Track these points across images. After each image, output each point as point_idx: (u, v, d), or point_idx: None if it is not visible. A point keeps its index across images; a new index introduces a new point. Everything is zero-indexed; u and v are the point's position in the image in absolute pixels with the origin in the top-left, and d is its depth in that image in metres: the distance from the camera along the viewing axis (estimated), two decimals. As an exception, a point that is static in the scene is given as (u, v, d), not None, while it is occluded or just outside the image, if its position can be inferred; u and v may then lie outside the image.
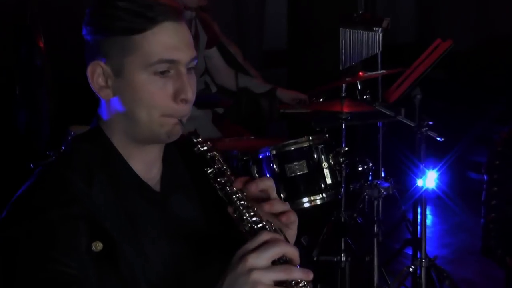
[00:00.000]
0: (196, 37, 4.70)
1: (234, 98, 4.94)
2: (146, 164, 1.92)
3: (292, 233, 1.82)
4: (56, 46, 5.34)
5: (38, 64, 4.99)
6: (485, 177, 3.30)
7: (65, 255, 1.69)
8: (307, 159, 3.74)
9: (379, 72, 4.38)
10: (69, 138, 3.99)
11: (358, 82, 4.17)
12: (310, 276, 1.55)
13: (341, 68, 4.97)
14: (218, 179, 1.79)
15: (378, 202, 3.87)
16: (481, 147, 7.06)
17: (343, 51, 4.93)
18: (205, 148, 1.85)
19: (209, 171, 1.81)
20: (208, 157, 1.84)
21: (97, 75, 1.83)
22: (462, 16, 8.11)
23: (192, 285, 1.88)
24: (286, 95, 5.17)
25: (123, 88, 1.82)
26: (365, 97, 4.08)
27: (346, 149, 3.85)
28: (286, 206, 1.82)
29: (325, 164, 3.75)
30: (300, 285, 1.54)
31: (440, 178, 4.43)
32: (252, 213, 1.70)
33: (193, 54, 1.86)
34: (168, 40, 1.81)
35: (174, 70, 1.82)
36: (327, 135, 3.87)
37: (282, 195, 3.67)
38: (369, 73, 4.32)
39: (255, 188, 1.79)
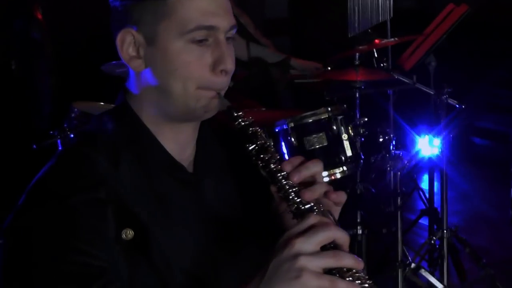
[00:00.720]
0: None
1: (245, 69, 4.80)
2: (179, 144, 1.77)
3: (336, 213, 1.69)
4: (56, 18, 5.17)
5: (37, 37, 4.82)
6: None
7: (90, 245, 1.55)
8: (326, 131, 3.59)
9: (395, 39, 4.25)
10: (73, 115, 3.91)
11: (374, 49, 4.04)
12: (361, 265, 1.41)
13: (349, 35, 4.84)
14: (262, 156, 1.64)
15: (400, 174, 3.76)
16: (484, 113, 7.01)
17: (351, 17, 4.79)
18: (247, 122, 1.68)
19: (251, 147, 1.65)
20: (250, 132, 1.67)
21: (127, 44, 1.68)
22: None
23: (226, 271, 1.76)
24: (301, 65, 5.04)
25: (156, 58, 1.67)
26: (382, 65, 3.96)
27: (366, 119, 3.72)
28: (329, 188, 1.67)
29: (345, 136, 3.61)
30: (350, 273, 1.40)
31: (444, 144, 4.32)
32: (298, 194, 1.58)
33: (233, 21, 1.71)
34: (206, 5, 1.66)
35: (213, 39, 1.67)
36: (344, 105, 3.73)
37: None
38: (386, 40, 4.20)
39: (298, 177, 1.60)
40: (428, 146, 4.24)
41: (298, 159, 1.66)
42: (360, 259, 1.42)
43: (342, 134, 3.62)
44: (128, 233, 1.60)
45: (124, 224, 1.61)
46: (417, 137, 4.35)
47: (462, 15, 4.06)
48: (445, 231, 3.95)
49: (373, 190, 4.60)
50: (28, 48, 4.92)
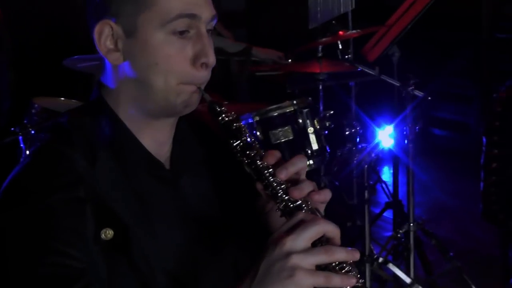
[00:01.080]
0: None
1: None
2: (156, 141, 1.69)
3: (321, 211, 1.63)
4: (15, 11, 5.03)
5: (-5, 32, 4.69)
6: (484, 140, 3.16)
7: (69, 246, 1.48)
8: (292, 125, 3.54)
9: (358, 31, 4.20)
10: (33, 111, 3.83)
11: (339, 41, 3.99)
12: (357, 255, 1.38)
13: (310, 27, 4.80)
14: (248, 152, 1.57)
15: (367, 167, 3.72)
16: (443, 103, 7.02)
17: (312, 9, 4.75)
18: (230, 118, 1.60)
19: (235, 144, 1.58)
20: (234, 127, 1.59)
21: (105, 36, 1.60)
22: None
23: (207, 271, 1.69)
24: (262, 54, 4.97)
25: (136, 50, 1.59)
26: (347, 56, 3.91)
27: (332, 112, 3.67)
28: (314, 186, 1.61)
29: (310, 129, 3.56)
30: (344, 268, 1.38)
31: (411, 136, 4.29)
32: (286, 191, 1.52)
33: (213, 11, 1.63)
34: None
35: (194, 30, 1.59)
36: (310, 98, 3.67)
37: (267, 163, 3.49)
38: (349, 32, 4.15)
39: (285, 175, 1.55)
40: (388, 137, 4.20)
41: (278, 153, 1.60)
42: (354, 249, 1.39)
43: (308, 127, 3.57)
44: (108, 233, 1.53)
45: (103, 224, 1.53)
46: (377, 129, 4.31)
47: (427, 5, 4.02)
48: (411, 224, 3.91)
49: (336, 183, 4.57)
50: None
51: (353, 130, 3.79)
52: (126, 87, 1.63)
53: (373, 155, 3.74)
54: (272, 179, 1.54)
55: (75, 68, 3.97)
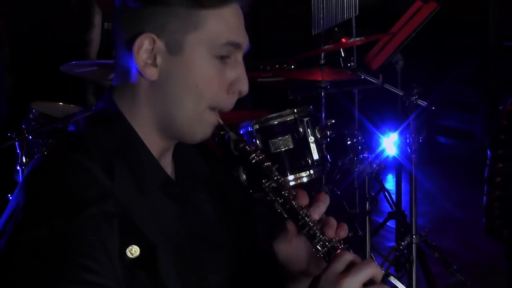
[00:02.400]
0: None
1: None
2: (166, 158, 1.69)
3: None
4: (13, 17, 4.99)
5: (-8, 36, 4.64)
6: (489, 153, 3.08)
7: (99, 263, 1.44)
8: (292, 134, 3.47)
9: (362, 38, 4.14)
10: (31, 115, 3.79)
11: (341, 49, 3.92)
12: None
13: (313, 33, 4.74)
14: (283, 192, 1.63)
15: (368, 177, 3.65)
16: (448, 111, 6.95)
17: (316, 15, 4.69)
18: (261, 157, 1.66)
19: (268, 183, 1.64)
20: (265, 167, 1.65)
21: (144, 50, 1.56)
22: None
23: None
24: None
25: (177, 69, 1.57)
26: (349, 64, 3.85)
27: (333, 121, 3.60)
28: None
29: (311, 139, 3.49)
30: None
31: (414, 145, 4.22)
32: (321, 230, 1.61)
33: (248, 43, 1.65)
34: (234, 21, 1.59)
35: (233, 57, 1.61)
36: (311, 107, 3.61)
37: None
38: (353, 39, 4.08)
39: (318, 215, 1.64)
40: (392, 145, 4.14)
41: (305, 193, 1.68)
42: None
43: (309, 136, 3.51)
44: (134, 251, 1.49)
45: (129, 240, 1.49)
46: (381, 136, 4.24)
47: (431, 13, 3.95)
48: (414, 236, 3.83)
49: (338, 191, 4.50)
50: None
51: (354, 140, 3.73)
52: (151, 102, 1.60)
53: (374, 165, 3.67)
54: (308, 220, 1.60)
55: (72, 74, 3.92)
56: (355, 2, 4.62)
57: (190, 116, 1.59)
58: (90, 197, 1.47)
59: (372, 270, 1.46)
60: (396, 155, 4.06)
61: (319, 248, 1.57)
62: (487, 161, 3.10)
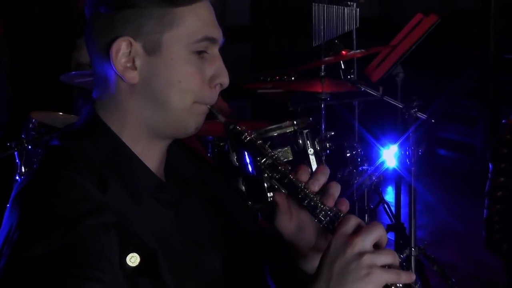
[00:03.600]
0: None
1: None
2: (156, 162, 1.67)
3: None
4: (14, 25, 4.98)
5: (-7, 44, 4.64)
6: (490, 166, 3.07)
7: (102, 271, 1.44)
8: (291, 145, 3.46)
9: (362, 50, 4.14)
10: (30, 125, 3.79)
11: (341, 61, 3.92)
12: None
13: (314, 45, 4.75)
14: (279, 168, 1.62)
15: (368, 190, 3.64)
16: (448, 123, 6.95)
17: (316, 26, 4.70)
18: (253, 136, 1.65)
19: (263, 161, 1.63)
20: (258, 144, 1.65)
21: (122, 54, 1.55)
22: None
23: None
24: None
25: (157, 69, 1.57)
26: (349, 77, 3.84)
27: (333, 133, 3.60)
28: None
29: (310, 150, 3.48)
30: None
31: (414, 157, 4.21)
32: (321, 201, 1.58)
33: (222, 34, 1.65)
34: (208, 16, 1.60)
35: (210, 52, 1.61)
36: (310, 118, 3.60)
37: (265, 185, 3.41)
38: (353, 52, 4.08)
39: (318, 187, 1.62)
40: (392, 157, 4.14)
41: (305, 167, 1.66)
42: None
43: (308, 148, 3.50)
44: (134, 259, 1.49)
45: (128, 249, 1.49)
46: (381, 148, 4.24)
47: (432, 26, 3.95)
48: (413, 248, 3.82)
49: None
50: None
51: (354, 152, 3.72)
52: (136, 107, 1.59)
53: (374, 178, 3.66)
54: (307, 191, 1.58)
55: (73, 84, 3.91)
56: (356, 14, 4.63)
57: (178, 112, 1.59)
58: (85, 210, 1.46)
59: (380, 232, 1.47)
60: (396, 167, 4.05)
61: (322, 218, 1.56)
62: (489, 175, 3.09)
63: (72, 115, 4.10)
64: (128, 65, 1.56)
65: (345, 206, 1.61)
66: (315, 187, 1.60)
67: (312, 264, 1.70)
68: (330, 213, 1.55)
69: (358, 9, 4.61)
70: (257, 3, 7.45)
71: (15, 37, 4.89)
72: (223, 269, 1.72)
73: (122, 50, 1.55)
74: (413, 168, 3.72)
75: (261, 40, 7.42)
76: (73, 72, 3.83)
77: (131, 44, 1.55)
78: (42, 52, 4.95)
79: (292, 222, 1.68)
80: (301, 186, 1.59)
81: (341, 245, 1.45)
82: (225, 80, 1.63)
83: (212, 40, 1.59)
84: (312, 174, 1.65)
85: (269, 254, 1.85)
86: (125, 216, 1.52)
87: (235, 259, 1.74)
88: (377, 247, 1.47)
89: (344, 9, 4.65)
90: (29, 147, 3.59)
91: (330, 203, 1.58)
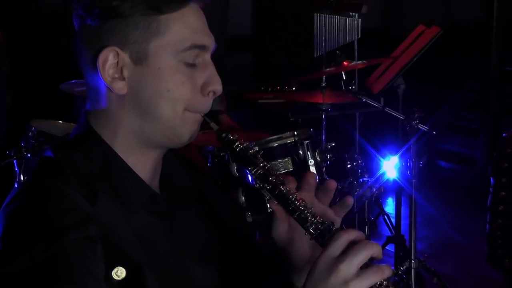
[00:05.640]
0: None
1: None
2: (150, 173, 1.64)
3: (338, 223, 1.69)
4: (14, 34, 4.99)
5: (-7, 53, 4.63)
6: (492, 181, 3.06)
7: (83, 285, 1.40)
8: (292, 156, 3.44)
9: (364, 61, 4.13)
10: (30, 133, 3.78)
11: (343, 72, 3.91)
12: (390, 271, 1.44)
13: (315, 55, 4.74)
14: (270, 178, 1.58)
15: (368, 201, 3.62)
16: (448, 135, 6.93)
17: (318, 37, 4.69)
18: (245, 145, 1.62)
19: (254, 171, 1.60)
20: (250, 154, 1.62)
21: (109, 65, 1.53)
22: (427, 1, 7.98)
23: None
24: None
25: (145, 78, 1.54)
26: (350, 88, 3.83)
27: (333, 144, 3.58)
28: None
29: (311, 162, 3.46)
30: (385, 284, 1.43)
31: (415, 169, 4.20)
32: (313, 213, 1.54)
33: (214, 41, 1.62)
34: (196, 23, 1.57)
35: (201, 59, 1.58)
36: (311, 129, 3.59)
37: (265, 196, 3.39)
38: (354, 63, 4.07)
39: (310, 198, 1.62)
40: (393, 168, 4.12)
41: (293, 178, 1.64)
42: (387, 265, 1.44)
43: (309, 159, 3.48)
44: (120, 273, 1.47)
45: (114, 263, 1.46)
46: (381, 159, 4.23)
47: (434, 37, 3.94)
48: (413, 261, 3.80)
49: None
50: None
51: (354, 163, 3.70)
52: (127, 118, 1.57)
53: (374, 189, 3.64)
54: (298, 204, 1.55)
55: (72, 92, 3.90)
56: (358, 25, 4.62)
57: (169, 122, 1.56)
58: (70, 222, 1.43)
59: (369, 251, 1.41)
60: (396, 179, 4.04)
61: (312, 231, 1.52)
62: (490, 189, 3.07)
63: (72, 124, 4.09)
64: (116, 75, 1.54)
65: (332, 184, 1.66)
66: (307, 198, 1.59)
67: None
68: (321, 226, 1.51)
69: (360, 19, 4.59)
70: (259, 13, 7.45)
71: (16, 47, 4.88)
72: (216, 282, 1.70)
73: (110, 61, 1.53)
74: (414, 180, 3.70)
75: (263, 50, 7.41)
76: (73, 81, 3.82)
77: (118, 54, 1.53)
78: (42, 61, 4.96)
79: (288, 232, 1.66)
80: (292, 198, 1.56)
81: (326, 269, 1.41)
82: (217, 87, 1.59)
83: (201, 48, 1.57)
84: (302, 182, 1.64)
85: (263, 272, 1.81)
86: (113, 229, 1.50)
87: (229, 272, 1.73)
88: (366, 264, 1.41)
89: (346, 19, 4.64)
90: (29, 155, 3.58)
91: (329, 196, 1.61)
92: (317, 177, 1.70)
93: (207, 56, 1.60)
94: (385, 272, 1.39)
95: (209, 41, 1.59)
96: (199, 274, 1.66)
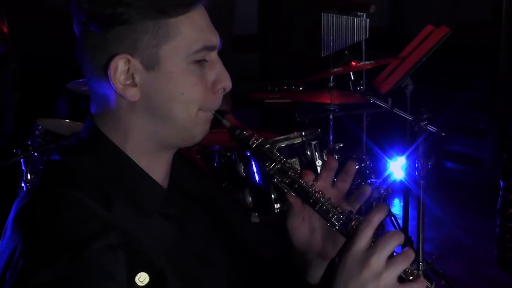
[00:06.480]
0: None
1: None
2: (163, 175, 1.63)
3: None
4: (22, 32, 4.97)
5: (1, 51, 4.63)
6: (501, 183, 3.03)
7: None
8: (299, 157, 3.44)
9: (372, 62, 4.11)
10: (37, 132, 3.76)
11: (351, 72, 3.89)
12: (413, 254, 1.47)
13: (322, 55, 4.72)
14: (289, 172, 1.59)
15: (376, 202, 3.60)
16: (455, 136, 6.90)
17: (325, 37, 4.67)
18: (260, 140, 1.62)
19: (272, 166, 1.60)
20: (266, 149, 1.61)
21: (120, 72, 1.50)
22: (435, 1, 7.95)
23: None
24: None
25: (158, 83, 1.52)
26: (358, 88, 3.81)
27: (341, 145, 3.57)
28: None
29: (319, 162, 3.45)
30: (411, 271, 1.46)
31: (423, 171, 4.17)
32: (333, 205, 1.56)
33: (219, 37, 1.61)
34: (204, 24, 1.56)
35: (209, 57, 1.57)
36: (319, 130, 3.57)
37: (272, 196, 3.38)
38: (362, 63, 4.05)
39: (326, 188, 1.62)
40: (400, 169, 4.10)
41: (310, 171, 1.64)
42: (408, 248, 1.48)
43: (316, 160, 3.46)
44: (143, 278, 1.46)
45: (136, 269, 1.46)
46: (388, 160, 4.20)
47: (443, 38, 3.91)
48: (420, 263, 3.78)
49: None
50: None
51: (362, 165, 3.68)
52: (139, 122, 1.55)
53: (381, 190, 3.62)
54: (318, 196, 1.56)
55: (79, 91, 3.89)
56: (366, 25, 4.60)
57: (184, 124, 1.55)
58: (90, 232, 1.41)
59: (396, 241, 1.43)
60: (403, 180, 4.01)
61: (335, 222, 1.53)
62: (500, 192, 3.05)
63: (78, 123, 4.08)
64: (128, 82, 1.52)
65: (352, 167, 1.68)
66: (328, 182, 1.62)
67: (316, 271, 1.70)
68: (343, 216, 1.52)
69: (368, 19, 4.57)
70: (265, 12, 7.42)
71: (22, 45, 4.88)
72: (226, 284, 1.69)
73: (120, 68, 1.50)
74: (422, 182, 3.68)
75: (269, 50, 7.39)
76: (80, 80, 3.81)
77: (129, 61, 1.50)
78: (48, 60, 4.94)
79: (304, 224, 1.66)
80: (312, 190, 1.57)
81: (357, 265, 1.41)
82: (227, 83, 1.59)
83: (211, 48, 1.56)
84: (321, 170, 1.65)
85: (273, 270, 1.81)
86: (131, 234, 1.49)
87: (237, 273, 1.73)
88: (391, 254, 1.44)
89: (353, 19, 4.61)
90: (35, 154, 3.58)
91: (344, 205, 1.58)
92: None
93: (214, 54, 1.59)
94: (410, 256, 1.43)
95: (217, 40, 1.58)
96: (208, 277, 1.65)
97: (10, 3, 4.93)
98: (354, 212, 1.58)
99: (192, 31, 1.52)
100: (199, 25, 1.54)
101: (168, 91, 1.52)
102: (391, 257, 1.42)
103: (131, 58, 1.50)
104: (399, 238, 1.43)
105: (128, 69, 1.51)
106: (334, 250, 1.62)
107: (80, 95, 3.97)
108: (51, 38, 5.06)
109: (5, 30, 4.61)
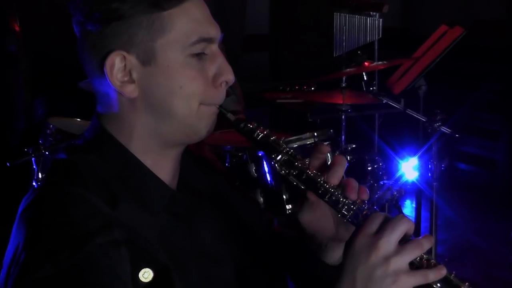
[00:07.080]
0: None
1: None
2: (170, 173, 1.62)
3: None
4: (34, 31, 4.96)
5: (13, 50, 4.63)
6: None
7: None
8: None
9: (385, 62, 4.08)
10: (48, 131, 3.76)
11: (364, 73, 3.87)
12: (432, 240, 1.44)
13: (334, 55, 4.70)
14: (296, 163, 1.55)
15: (387, 204, 3.58)
16: (468, 137, 6.85)
17: (338, 36, 4.65)
18: (265, 132, 1.58)
19: (278, 158, 1.56)
20: (272, 141, 1.58)
21: (117, 69, 1.49)
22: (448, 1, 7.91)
23: None
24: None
25: (155, 78, 1.51)
26: (371, 88, 3.78)
27: (354, 146, 3.54)
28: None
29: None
30: (427, 259, 1.42)
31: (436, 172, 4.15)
32: (343, 194, 1.52)
33: (219, 29, 1.57)
34: (201, 15, 1.53)
35: (209, 51, 1.54)
36: (331, 130, 3.55)
37: (284, 196, 3.36)
38: (375, 63, 4.03)
39: (337, 179, 1.55)
40: (412, 170, 4.08)
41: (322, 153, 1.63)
42: (427, 235, 1.45)
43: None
44: (147, 275, 1.44)
45: (141, 265, 1.45)
46: (400, 161, 4.18)
47: (457, 38, 3.89)
48: (434, 265, 3.74)
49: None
50: (3, 61, 4.73)
51: (375, 166, 3.66)
52: (141, 119, 1.54)
53: (394, 191, 3.60)
54: (327, 186, 1.53)
55: (90, 90, 3.88)
56: (379, 25, 4.57)
57: (186, 119, 1.53)
58: (93, 227, 1.41)
59: (405, 225, 1.39)
60: (416, 181, 3.99)
61: (345, 212, 1.50)
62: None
63: (89, 122, 4.07)
64: (125, 79, 1.50)
65: (365, 195, 1.55)
66: (335, 179, 1.55)
67: (333, 254, 1.67)
68: (353, 206, 1.50)
69: (381, 19, 4.54)
70: (276, 12, 7.40)
71: (33, 44, 4.87)
72: (236, 282, 1.67)
73: (117, 65, 1.49)
74: (435, 183, 3.65)
75: (281, 49, 7.37)
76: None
77: (124, 57, 1.49)
78: (60, 59, 4.94)
79: (316, 216, 1.63)
80: (320, 180, 1.53)
81: (365, 248, 1.39)
82: (229, 77, 1.57)
83: (209, 40, 1.53)
84: (330, 166, 1.59)
85: (288, 257, 1.79)
86: (136, 231, 1.48)
87: (249, 271, 1.71)
88: (403, 239, 1.40)
89: (366, 19, 4.59)
90: (47, 153, 3.57)
91: (353, 196, 1.51)
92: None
93: (215, 47, 1.56)
94: (424, 245, 1.39)
95: (215, 32, 1.55)
96: (218, 275, 1.64)
97: (22, 2, 4.93)
98: (365, 202, 1.53)
99: (187, 23, 1.50)
100: (195, 16, 1.51)
101: (166, 85, 1.51)
102: (403, 244, 1.39)
103: (127, 54, 1.49)
104: (409, 223, 1.40)
105: (125, 65, 1.50)
106: (348, 233, 1.58)
107: (92, 94, 3.96)
108: (63, 37, 5.06)
109: (17, 29, 4.60)
